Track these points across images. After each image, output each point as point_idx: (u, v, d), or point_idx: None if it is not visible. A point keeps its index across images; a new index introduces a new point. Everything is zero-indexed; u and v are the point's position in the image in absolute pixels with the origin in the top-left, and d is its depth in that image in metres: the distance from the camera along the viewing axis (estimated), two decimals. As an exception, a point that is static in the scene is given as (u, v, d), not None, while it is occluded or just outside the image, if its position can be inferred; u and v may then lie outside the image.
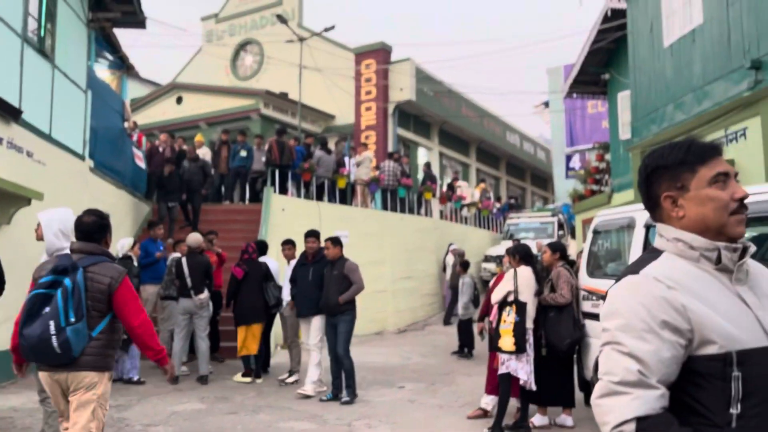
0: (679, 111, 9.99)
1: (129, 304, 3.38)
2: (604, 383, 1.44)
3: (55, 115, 8.80)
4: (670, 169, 1.56)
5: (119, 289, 3.34)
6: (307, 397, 6.95)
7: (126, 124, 12.11)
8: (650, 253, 1.59)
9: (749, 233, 4.07)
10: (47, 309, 3.21)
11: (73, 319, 3.20)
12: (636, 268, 1.53)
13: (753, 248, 1.54)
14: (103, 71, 12.56)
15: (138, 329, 3.37)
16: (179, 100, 22.87)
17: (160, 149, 12.61)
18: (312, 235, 7.43)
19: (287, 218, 11.60)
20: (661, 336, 1.40)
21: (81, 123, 9.78)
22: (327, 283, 6.92)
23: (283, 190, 12.89)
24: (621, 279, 1.54)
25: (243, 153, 12.72)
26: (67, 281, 3.24)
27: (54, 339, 3.15)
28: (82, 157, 9.70)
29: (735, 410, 1.37)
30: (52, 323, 3.17)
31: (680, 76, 9.94)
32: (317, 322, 7.13)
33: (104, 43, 11.71)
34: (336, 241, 7.07)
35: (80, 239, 3.46)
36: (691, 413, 1.41)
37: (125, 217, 11.36)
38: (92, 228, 3.47)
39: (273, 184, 12.58)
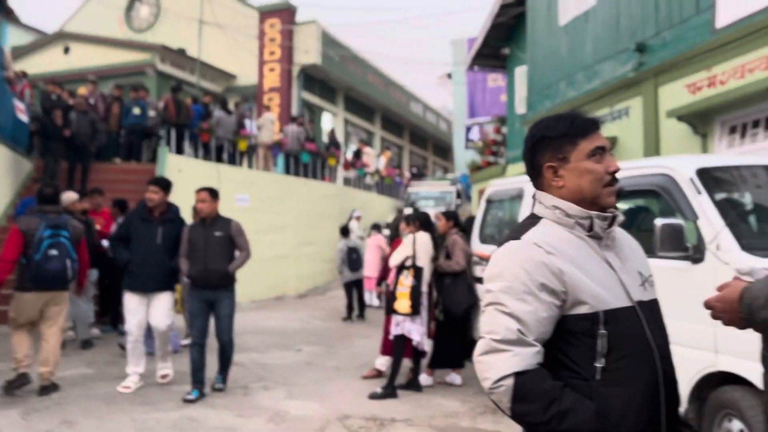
0: (571, 88, 10.50)
1: (85, 248, 5.72)
2: (486, 341, 1.53)
3: None
4: (554, 140, 1.64)
5: (83, 237, 5.61)
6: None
7: (6, 73, 11.12)
8: (530, 219, 1.68)
9: (624, 205, 4.40)
10: (55, 251, 5.17)
11: (74, 257, 5.38)
12: (517, 233, 1.62)
13: (621, 217, 1.67)
14: (-22, 13, 11.42)
15: (85, 264, 5.76)
16: (67, 50, 21.30)
17: (91, 101, 11.69)
18: (156, 183, 5.75)
19: (184, 180, 11.19)
20: (540, 297, 1.51)
21: (-49, 69, 8.90)
22: (204, 247, 5.47)
23: (180, 151, 12.41)
24: (504, 244, 1.63)
25: (137, 110, 12.05)
26: (65, 232, 5.31)
27: (69, 270, 5.29)
28: (-48, 107, 8.85)
29: (600, 364, 1.51)
30: (68, 260, 5.28)
31: (573, 54, 10.43)
32: (167, 300, 5.73)
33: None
34: (214, 194, 5.62)
35: (45, 203, 5.36)
36: (562, 368, 1.54)
37: (4, 174, 10.53)
38: (53, 196, 5.47)
39: (168, 143, 12.06)
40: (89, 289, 7.76)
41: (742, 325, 1.50)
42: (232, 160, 13.46)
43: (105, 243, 7.96)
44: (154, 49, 20.01)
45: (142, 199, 5.81)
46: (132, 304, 5.69)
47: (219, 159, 12.99)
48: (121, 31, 23.32)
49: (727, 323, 1.54)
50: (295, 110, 20.17)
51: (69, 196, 7.72)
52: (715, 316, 1.56)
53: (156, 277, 5.63)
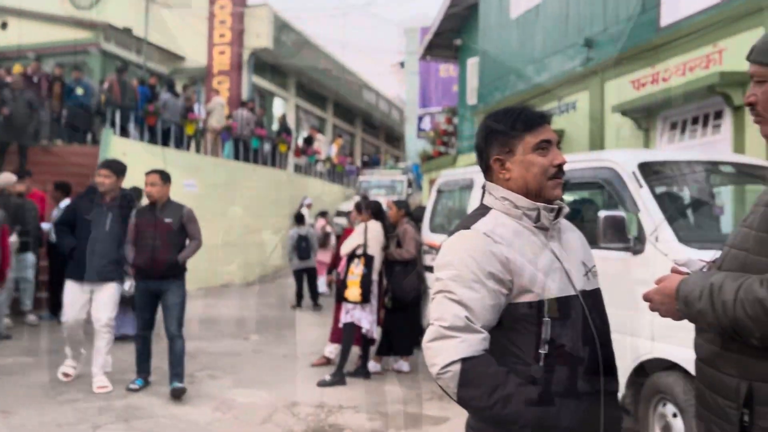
0: (521, 81, 10.68)
1: (6, 236, 5.84)
2: (435, 328, 1.56)
3: None
4: (501, 134, 1.68)
5: (4, 225, 5.80)
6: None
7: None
8: (480, 209, 1.72)
9: (570, 197, 4.52)
10: None
11: None
12: (467, 223, 1.65)
13: (567, 209, 1.72)
14: None
15: (8, 252, 5.82)
16: (4, 26, 20.30)
17: (34, 79, 11.13)
18: (108, 167, 5.34)
19: (128, 164, 10.83)
20: (487, 286, 1.54)
21: None
22: (153, 235, 5.11)
23: (125, 133, 12.03)
24: (454, 233, 1.66)
25: (79, 91, 11.62)
26: None
27: None
28: None
29: (543, 351, 1.55)
30: None
31: (524, 47, 10.59)
32: (113, 291, 5.28)
33: None
34: (166, 177, 5.27)
35: None
36: (508, 354, 1.57)
37: (-66, 153, 10.02)
38: None
39: (113, 125, 11.69)
40: (28, 274, 7.55)
41: (678, 317, 1.57)
42: (179, 144, 13.14)
43: (45, 226, 7.70)
44: (98, 28, 19.25)
45: (93, 181, 5.41)
46: (71, 294, 5.29)
47: (165, 143, 12.67)
48: (63, 7, 22.33)
49: (664, 315, 1.60)
50: (245, 95, 19.81)
51: (6, 178, 7.43)
52: (653, 308, 1.62)
53: (101, 266, 5.17)
